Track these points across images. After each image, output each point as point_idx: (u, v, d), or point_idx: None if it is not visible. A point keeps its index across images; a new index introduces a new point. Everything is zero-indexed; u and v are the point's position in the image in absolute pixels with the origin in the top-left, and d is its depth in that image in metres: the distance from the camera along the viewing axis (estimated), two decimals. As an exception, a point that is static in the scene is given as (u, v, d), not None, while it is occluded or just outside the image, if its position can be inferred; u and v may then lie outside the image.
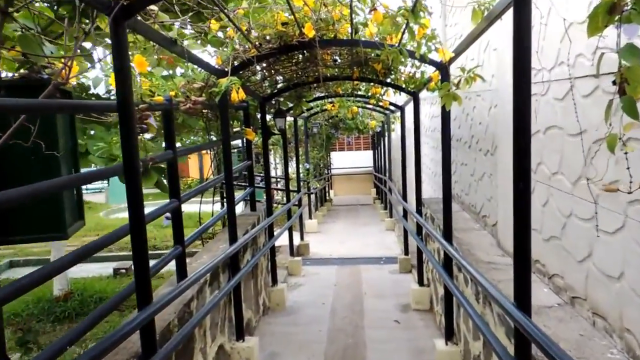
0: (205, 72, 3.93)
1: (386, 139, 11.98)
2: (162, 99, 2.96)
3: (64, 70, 2.17)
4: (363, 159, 19.97)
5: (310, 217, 11.28)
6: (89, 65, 3.30)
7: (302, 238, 9.25)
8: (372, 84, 6.28)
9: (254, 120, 6.08)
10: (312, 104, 8.25)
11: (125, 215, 3.19)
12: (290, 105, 7.31)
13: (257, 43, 3.90)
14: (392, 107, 8.49)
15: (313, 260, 8.72)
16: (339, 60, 5.21)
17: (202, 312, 3.32)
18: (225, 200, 5.67)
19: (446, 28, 6.28)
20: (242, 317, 4.33)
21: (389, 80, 5.56)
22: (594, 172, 2.44)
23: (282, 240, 7.88)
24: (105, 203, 16.64)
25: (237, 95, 3.38)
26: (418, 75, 4.99)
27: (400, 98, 8.06)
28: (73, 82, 2.67)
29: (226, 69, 3.66)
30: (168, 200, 3.27)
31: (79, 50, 2.47)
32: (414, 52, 3.83)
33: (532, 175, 3.39)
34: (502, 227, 4.00)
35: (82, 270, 8.45)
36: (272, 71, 5.06)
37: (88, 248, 2.18)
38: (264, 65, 4.87)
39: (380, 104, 7.91)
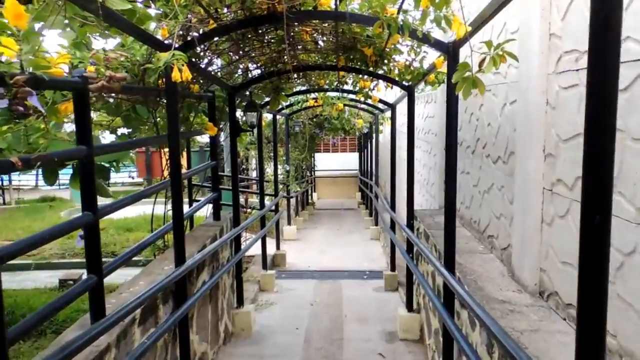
0: (149, 47, 3.07)
1: (373, 140, 11.17)
2: (61, 72, 2.07)
3: None
4: (348, 161, 19.15)
5: (289, 223, 10.42)
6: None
7: (278, 247, 8.39)
8: (360, 75, 5.45)
9: (222, 114, 5.21)
10: (292, 99, 7.40)
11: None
12: (267, 99, 6.45)
13: (213, 11, 3.03)
14: (381, 105, 7.67)
15: (289, 273, 7.86)
16: (322, 44, 4.36)
17: (122, 367, 2.44)
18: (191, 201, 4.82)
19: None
20: (190, 357, 3.45)
21: (380, 72, 4.74)
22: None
23: (255, 249, 7.02)
24: (70, 200, 15.55)
25: (181, 75, 2.52)
26: (416, 64, 4.16)
27: (391, 95, 7.25)
28: None
29: (176, 44, 2.80)
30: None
31: None
32: (415, 30, 3.00)
33: (565, 191, 2.58)
34: (518, 253, 3.19)
35: (27, 279, 7.48)
36: (241, 53, 4.19)
37: None
38: (230, 45, 4.01)
39: (369, 100, 7.12)
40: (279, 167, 11.20)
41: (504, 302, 2.89)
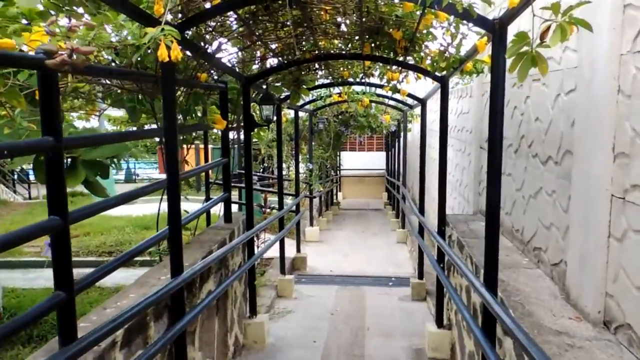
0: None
1: (401, 139, 10.62)
2: (10, 44, 1.66)
3: None
4: (375, 160, 18.59)
5: (311, 224, 9.98)
6: None
7: (298, 250, 7.95)
8: (387, 66, 4.95)
9: (236, 107, 4.79)
10: (314, 93, 6.94)
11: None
12: (287, 93, 6.01)
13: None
14: (410, 101, 7.15)
15: (309, 278, 7.41)
16: (344, 28, 3.89)
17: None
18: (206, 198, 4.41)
19: None
20: (188, 381, 3.03)
21: (410, 61, 4.24)
22: None
23: (275, 251, 6.61)
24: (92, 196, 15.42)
25: (170, 53, 2.08)
26: (452, 50, 3.64)
27: (420, 89, 6.72)
28: None
29: (169, 18, 2.38)
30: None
31: None
32: (453, 4, 2.50)
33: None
34: (576, 272, 2.65)
35: (40, 277, 7.23)
36: (254, 38, 3.75)
37: None
38: (240, 28, 3.57)
39: (398, 95, 6.61)
40: (302, 165, 10.79)
41: (560, 334, 2.37)
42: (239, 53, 4.47)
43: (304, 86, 5.56)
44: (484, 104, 4.88)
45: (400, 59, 4.20)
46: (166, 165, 2.82)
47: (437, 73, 4.28)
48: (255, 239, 7.09)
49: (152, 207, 5.39)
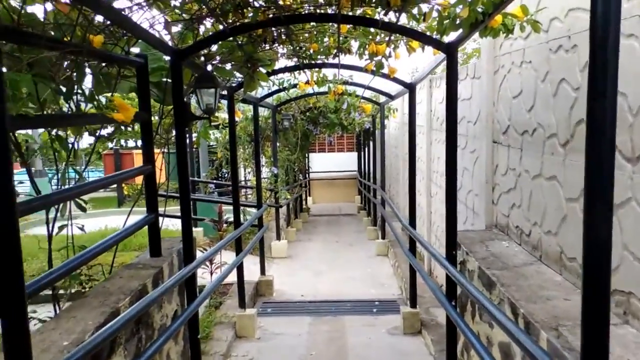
0: None
1: (377, 137, 9.43)
2: None
3: None
4: (346, 161, 17.37)
5: (278, 238, 8.65)
6: None
7: (263, 272, 6.62)
8: (369, 35, 3.72)
9: (166, 94, 3.47)
10: (275, 81, 5.63)
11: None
12: (239, 78, 4.72)
13: None
14: (394, 88, 5.94)
15: (277, 307, 6.10)
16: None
17: None
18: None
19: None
20: None
21: (403, 18, 3.03)
22: None
23: (234, 275, 5.26)
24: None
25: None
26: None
27: (404, 74, 5.50)
28: None
29: None
30: None
31: None
32: None
33: None
34: None
35: None
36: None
37: None
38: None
39: (377, 82, 5.42)
40: (265, 170, 9.47)
41: None
42: (163, 16, 3.14)
43: (262, 69, 4.28)
44: (499, 84, 3.69)
45: (392, 17, 2.97)
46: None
47: (444, 38, 3.06)
48: (208, 263, 5.78)
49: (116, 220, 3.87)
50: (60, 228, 2.66)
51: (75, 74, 2.34)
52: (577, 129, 2.52)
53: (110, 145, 14.56)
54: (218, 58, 4.04)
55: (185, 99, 3.72)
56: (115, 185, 16.73)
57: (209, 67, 3.96)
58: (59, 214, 2.73)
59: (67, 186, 2.61)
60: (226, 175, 11.07)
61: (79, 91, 2.66)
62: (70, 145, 2.63)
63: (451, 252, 3.26)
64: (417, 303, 5.23)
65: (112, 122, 2.39)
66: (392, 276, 7.40)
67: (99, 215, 12.70)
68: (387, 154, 10.28)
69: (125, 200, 14.40)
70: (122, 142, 17.59)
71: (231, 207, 5.32)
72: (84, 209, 2.61)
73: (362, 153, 14.22)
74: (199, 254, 3.86)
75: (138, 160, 14.41)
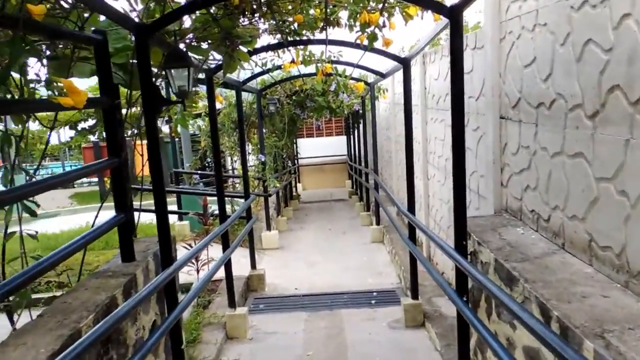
0: None
1: (369, 119, 9.06)
2: None
3: None
4: (336, 145, 16.96)
5: (268, 228, 8.27)
6: None
7: (253, 266, 6.27)
8: (360, 4, 3.32)
9: (133, 77, 3.05)
10: (257, 61, 5.21)
11: None
12: (219, 61, 4.30)
13: None
14: (388, 63, 5.55)
15: (269, 302, 5.76)
16: None
17: None
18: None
19: None
20: None
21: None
22: None
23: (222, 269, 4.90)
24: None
25: None
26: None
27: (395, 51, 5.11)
28: None
29: None
30: None
31: None
32: None
33: None
34: None
35: None
36: None
37: None
38: None
39: (366, 59, 5.04)
40: (252, 157, 9.06)
41: None
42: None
43: (242, 47, 3.87)
44: (506, 53, 3.31)
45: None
46: None
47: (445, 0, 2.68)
48: (194, 261, 5.38)
49: (90, 217, 3.47)
50: (10, 235, 2.26)
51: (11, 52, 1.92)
52: (610, 97, 2.15)
53: (92, 138, 14.02)
54: (192, 36, 3.63)
55: (157, 83, 3.32)
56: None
57: (182, 47, 3.54)
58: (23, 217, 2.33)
59: (11, 186, 2.20)
60: (212, 165, 10.61)
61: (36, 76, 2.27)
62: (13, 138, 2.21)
63: (461, 242, 2.91)
64: (419, 293, 4.91)
65: (60, 108, 1.98)
66: (389, 264, 7.08)
67: (82, 212, 12.23)
68: (377, 136, 9.90)
69: (109, 194, 13.93)
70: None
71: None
72: (33, 214, 2.21)
73: (352, 136, 13.84)
74: (181, 254, 3.48)
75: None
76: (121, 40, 3.14)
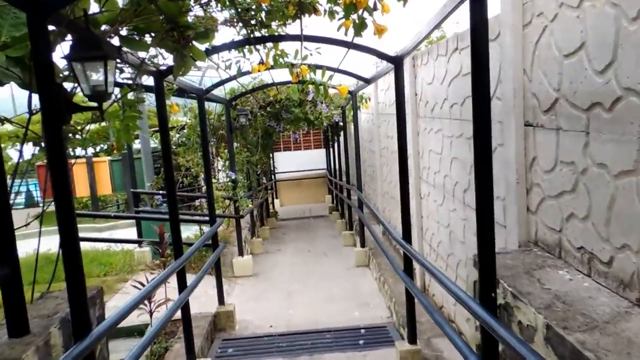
0: None
1: (351, 130, 8.29)
2: None
3: None
4: (315, 159, 16.17)
5: (240, 253, 7.38)
6: None
7: (221, 301, 5.39)
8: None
9: (31, 74, 2.20)
10: (217, 63, 4.38)
11: None
12: (166, 60, 3.49)
13: None
14: (376, 62, 4.79)
15: (240, 346, 4.88)
16: None
17: None
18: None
19: None
20: None
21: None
22: None
23: (195, 305, 4.01)
24: None
25: None
26: None
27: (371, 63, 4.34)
28: None
29: None
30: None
31: None
32: None
33: None
34: None
35: None
36: None
37: None
38: None
39: (347, 63, 4.19)
40: (222, 174, 8.19)
41: None
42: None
43: (195, 43, 3.09)
44: (534, 42, 2.57)
45: None
46: None
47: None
48: (146, 302, 4.48)
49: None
50: None
51: None
52: None
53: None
54: (125, 29, 2.80)
55: (75, 85, 2.48)
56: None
57: (117, 42, 2.72)
58: None
59: None
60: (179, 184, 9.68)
61: None
62: None
63: (489, 293, 2.13)
64: (417, 336, 4.12)
65: None
66: (377, 293, 6.27)
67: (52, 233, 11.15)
68: (362, 149, 9.15)
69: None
70: (70, 151, 15.93)
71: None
72: None
73: (332, 150, 13.08)
74: (125, 298, 2.62)
75: (79, 170, 12.84)
76: (21, 27, 2.31)
